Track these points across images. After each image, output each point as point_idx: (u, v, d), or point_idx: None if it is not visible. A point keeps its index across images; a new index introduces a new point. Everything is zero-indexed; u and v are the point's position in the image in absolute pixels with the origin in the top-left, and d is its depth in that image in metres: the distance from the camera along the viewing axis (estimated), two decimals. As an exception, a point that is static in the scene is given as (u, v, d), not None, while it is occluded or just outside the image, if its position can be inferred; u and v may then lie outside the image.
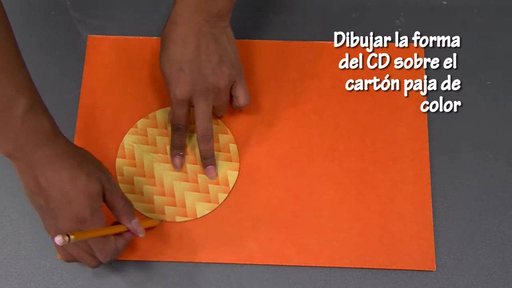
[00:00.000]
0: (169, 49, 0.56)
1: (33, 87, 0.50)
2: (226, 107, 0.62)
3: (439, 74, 0.67)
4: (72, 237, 0.48)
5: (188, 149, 0.64)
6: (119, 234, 0.56)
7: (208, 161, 0.62)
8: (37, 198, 0.52)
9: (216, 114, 0.63)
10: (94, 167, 0.53)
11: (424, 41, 0.68)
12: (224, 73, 0.57)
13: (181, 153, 0.63)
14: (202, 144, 0.60)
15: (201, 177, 0.63)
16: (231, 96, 0.61)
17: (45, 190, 0.51)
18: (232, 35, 0.59)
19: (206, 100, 0.58)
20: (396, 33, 0.69)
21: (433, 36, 0.69)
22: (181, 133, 0.62)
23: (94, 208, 0.52)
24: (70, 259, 0.56)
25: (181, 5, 0.55)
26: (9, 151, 0.50)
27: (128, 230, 0.56)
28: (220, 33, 0.57)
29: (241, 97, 0.61)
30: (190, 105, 0.59)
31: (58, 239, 0.48)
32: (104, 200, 0.54)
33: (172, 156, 0.63)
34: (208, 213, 0.61)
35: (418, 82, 0.66)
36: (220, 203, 0.62)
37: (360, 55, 0.68)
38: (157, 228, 0.61)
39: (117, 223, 0.56)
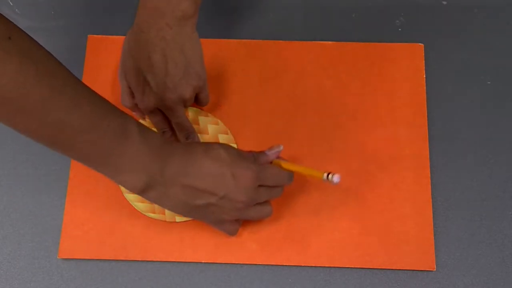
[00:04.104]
0: (135, 59, 0.56)
1: (116, 107, 0.48)
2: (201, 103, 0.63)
3: (439, 74, 0.67)
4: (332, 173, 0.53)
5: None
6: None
7: None
8: (200, 201, 0.51)
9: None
10: (215, 142, 0.55)
11: (424, 41, 0.68)
12: (190, 85, 0.58)
13: None
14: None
15: (201, 177, 0.63)
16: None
17: (205, 188, 0.51)
18: (198, 42, 0.58)
19: (175, 111, 0.59)
20: (396, 33, 0.69)
21: (433, 36, 0.69)
22: (168, 135, 0.62)
23: (253, 162, 0.54)
24: (238, 229, 0.58)
25: (145, 10, 0.54)
26: (144, 182, 0.48)
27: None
28: (185, 41, 0.56)
29: (203, 101, 0.62)
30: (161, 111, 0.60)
31: (337, 176, 0.52)
32: None
33: None
34: (208, 213, 0.61)
35: (418, 82, 0.66)
36: (220, 203, 0.62)
37: (360, 55, 0.68)
38: (157, 228, 0.61)
39: None
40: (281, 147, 0.57)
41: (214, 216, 0.54)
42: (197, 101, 0.62)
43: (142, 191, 0.49)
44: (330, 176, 0.53)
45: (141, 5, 0.54)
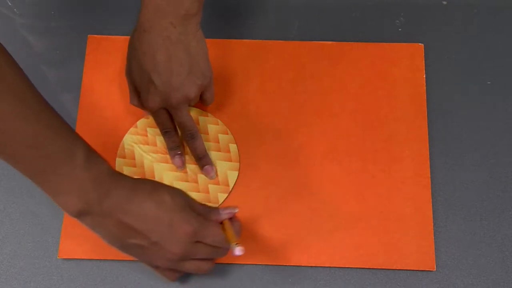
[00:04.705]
0: (139, 58, 0.56)
1: (73, 131, 0.48)
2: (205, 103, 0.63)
3: (439, 74, 0.67)
4: (238, 245, 0.51)
5: (187, 149, 0.64)
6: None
7: (203, 161, 0.62)
8: (133, 240, 0.50)
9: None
10: (167, 186, 0.53)
11: (424, 41, 0.68)
12: (195, 84, 0.57)
13: (179, 152, 0.63)
14: (191, 144, 0.61)
15: (201, 177, 0.63)
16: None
17: (140, 229, 0.49)
18: (203, 40, 0.58)
19: (180, 110, 0.58)
20: (396, 33, 0.69)
21: (433, 36, 0.69)
22: (171, 135, 0.62)
23: (197, 216, 0.52)
24: (178, 276, 0.56)
25: (147, 10, 0.54)
26: (79, 208, 0.47)
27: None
28: (189, 39, 0.56)
29: (207, 100, 0.62)
30: (166, 110, 0.60)
31: (240, 249, 0.50)
32: None
33: (172, 157, 0.63)
34: (208, 213, 0.61)
35: (418, 82, 0.66)
36: (220, 203, 0.62)
37: (360, 55, 0.68)
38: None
39: None
40: (236, 210, 0.56)
41: (147, 259, 0.53)
42: (202, 100, 0.62)
43: (77, 216, 0.48)
44: (234, 245, 0.51)
45: (144, 4, 0.54)
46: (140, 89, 0.59)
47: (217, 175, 0.63)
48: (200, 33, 0.57)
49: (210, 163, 0.62)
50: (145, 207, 0.49)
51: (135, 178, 0.51)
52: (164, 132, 0.62)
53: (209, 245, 0.53)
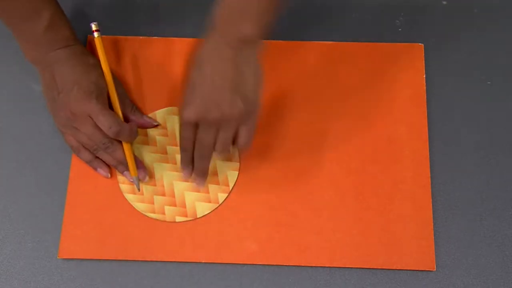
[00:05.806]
0: (190, 69, 0.55)
1: (55, 1, 0.59)
2: (227, 146, 0.57)
3: (439, 74, 0.67)
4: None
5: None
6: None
7: (199, 179, 0.61)
8: (51, 90, 0.59)
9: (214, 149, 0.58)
10: (95, 78, 0.60)
11: (424, 41, 0.68)
12: (236, 105, 0.53)
13: (191, 167, 0.61)
14: (199, 161, 0.59)
15: (201, 177, 0.63)
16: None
17: (59, 83, 0.59)
18: (259, 69, 0.55)
19: (208, 131, 0.55)
20: (396, 33, 0.69)
21: (433, 36, 0.69)
22: (188, 154, 0.59)
23: (100, 91, 0.59)
24: (80, 149, 0.62)
25: (210, 27, 0.53)
26: (33, 56, 0.60)
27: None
28: (244, 62, 0.53)
29: (242, 138, 0.56)
30: (196, 129, 0.57)
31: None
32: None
33: (182, 170, 0.61)
34: (208, 213, 0.61)
35: (418, 82, 0.66)
36: (220, 203, 0.62)
37: (360, 55, 0.68)
38: (157, 228, 0.61)
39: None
40: (146, 175, 0.62)
41: (55, 112, 0.61)
42: (234, 140, 0.57)
43: (31, 63, 0.60)
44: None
45: (210, 22, 0.53)
46: (184, 99, 0.56)
47: (217, 175, 0.63)
48: (256, 61, 0.54)
49: (204, 182, 0.61)
50: (73, 70, 0.59)
51: (89, 52, 0.62)
52: (183, 149, 0.59)
53: (112, 156, 0.60)
